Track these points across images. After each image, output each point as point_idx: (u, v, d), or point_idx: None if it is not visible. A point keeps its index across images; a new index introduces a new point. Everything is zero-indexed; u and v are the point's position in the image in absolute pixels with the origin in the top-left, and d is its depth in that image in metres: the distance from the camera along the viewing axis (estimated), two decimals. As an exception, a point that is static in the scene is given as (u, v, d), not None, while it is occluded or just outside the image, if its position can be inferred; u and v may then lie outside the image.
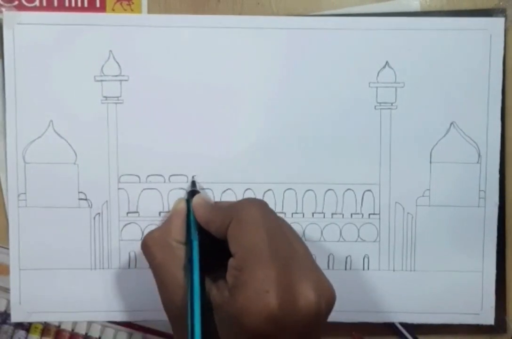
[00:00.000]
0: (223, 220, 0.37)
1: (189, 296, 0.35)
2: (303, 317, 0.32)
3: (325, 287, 0.34)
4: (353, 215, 0.47)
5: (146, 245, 0.40)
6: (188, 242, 0.39)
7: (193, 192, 0.44)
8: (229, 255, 0.36)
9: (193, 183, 0.45)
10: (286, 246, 0.35)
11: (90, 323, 0.48)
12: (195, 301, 0.35)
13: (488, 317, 0.47)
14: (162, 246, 0.40)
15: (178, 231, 0.40)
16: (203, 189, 0.46)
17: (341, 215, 0.47)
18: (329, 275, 0.45)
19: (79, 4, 0.46)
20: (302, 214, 0.47)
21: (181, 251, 0.39)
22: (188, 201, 0.42)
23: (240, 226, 0.36)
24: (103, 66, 0.46)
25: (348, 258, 0.47)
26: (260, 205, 0.38)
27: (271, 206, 0.46)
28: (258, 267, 0.33)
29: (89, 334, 0.48)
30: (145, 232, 0.46)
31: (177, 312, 0.37)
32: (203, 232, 0.39)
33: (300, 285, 0.33)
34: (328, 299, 0.34)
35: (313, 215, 0.47)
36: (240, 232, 0.35)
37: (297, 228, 0.46)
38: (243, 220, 0.36)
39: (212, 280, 0.37)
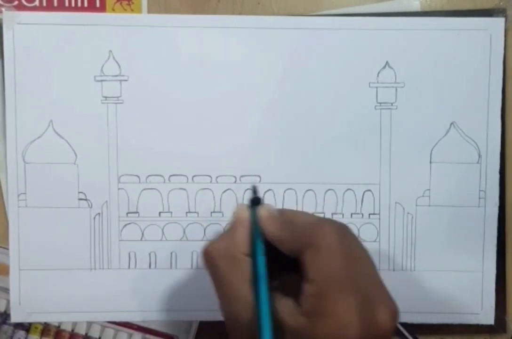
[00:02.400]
0: (297, 241, 0.36)
1: (258, 317, 0.34)
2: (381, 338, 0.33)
3: (393, 303, 0.34)
4: (353, 215, 0.47)
5: (209, 255, 0.38)
6: (253, 256, 0.37)
7: (255, 200, 0.40)
8: (292, 268, 0.36)
9: (254, 190, 0.42)
10: (365, 273, 0.35)
11: (90, 324, 0.48)
12: (264, 323, 0.33)
13: (488, 317, 0.47)
14: (226, 258, 0.37)
15: (243, 242, 0.38)
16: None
17: (341, 215, 0.47)
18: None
19: (79, 4, 0.46)
20: (301, 214, 0.47)
21: (246, 264, 0.37)
22: (252, 210, 0.39)
23: (318, 252, 0.34)
24: (103, 66, 0.46)
25: (348, 258, 0.47)
26: (341, 229, 0.36)
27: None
28: (339, 297, 0.33)
29: (89, 334, 0.48)
30: (145, 233, 0.46)
31: (238, 327, 0.36)
32: (267, 244, 0.37)
33: (379, 312, 0.33)
34: (397, 314, 0.34)
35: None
36: (318, 259, 0.34)
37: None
38: (321, 246, 0.34)
39: (280, 296, 0.36)
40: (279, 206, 0.46)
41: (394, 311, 0.34)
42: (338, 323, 0.32)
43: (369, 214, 0.47)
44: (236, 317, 0.36)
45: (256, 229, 0.37)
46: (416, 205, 0.46)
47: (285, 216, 0.39)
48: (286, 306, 0.35)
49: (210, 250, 0.38)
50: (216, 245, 0.38)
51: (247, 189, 0.46)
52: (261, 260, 0.36)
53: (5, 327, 0.48)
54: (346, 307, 0.32)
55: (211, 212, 0.47)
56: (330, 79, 0.46)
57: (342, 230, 0.36)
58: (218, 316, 0.46)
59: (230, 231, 0.39)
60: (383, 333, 0.33)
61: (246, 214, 0.39)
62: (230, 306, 0.36)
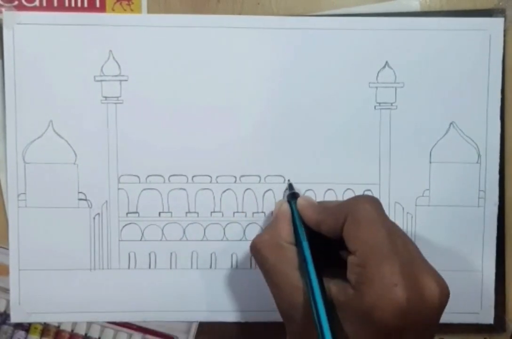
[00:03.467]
0: (336, 220, 0.37)
1: (311, 297, 0.35)
2: (429, 310, 0.33)
3: (443, 280, 0.35)
4: (353, 215, 0.47)
5: (256, 248, 0.40)
6: (298, 244, 0.39)
7: (293, 194, 0.44)
8: (338, 253, 0.37)
9: (291, 186, 0.46)
10: (403, 242, 0.36)
11: (89, 324, 0.48)
12: (318, 301, 0.35)
13: (487, 317, 0.47)
14: (273, 248, 0.39)
15: (286, 233, 0.40)
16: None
17: (341, 215, 0.47)
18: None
19: (79, 4, 0.46)
20: (302, 214, 0.47)
21: (292, 252, 0.39)
22: (291, 203, 0.42)
23: (358, 223, 0.36)
24: (103, 66, 0.46)
25: (348, 258, 0.47)
26: (374, 201, 0.37)
27: (271, 206, 0.46)
28: (383, 262, 0.34)
29: (88, 334, 0.48)
30: (145, 233, 0.46)
31: (293, 313, 0.37)
32: (310, 233, 0.39)
33: (424, 278, 0.34)
34: (447, 293, 0.35)
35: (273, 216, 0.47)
36: (359, 229, 0.35)
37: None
38: (359, 217, 0.36)
39: (328, 278, 0.37)
40: (279, 206, 0.47)
41: (441, 283, 0.34)
42: (383, 287, 0.33)
43: (369, 214, 0.47)
44: (289, 303, 0.38)
45: (297, 218, 0.41)
46: (416, 205, 0.46)
47: (321, 203, 0.42)
48: (335, 284, 0.36)
49: (257, 242, 0.40)
50: (262, 238, 0.41)
51: (247, 189, 0.46)
52: (306, 245, 0.38)
53: (5, 327, 0.48)
54: (389, 271, 0.33)
55: (211, 212, 0.47)
56: (330, 79, 0.46)
57: (375, 202, 0.37)
58: (218, 316, 0.47)
59: (272, 224, 0.42)
60: (431, 303, 0.33)
61: (286, 206, 0.42)
62: (282, 293, 0.38)
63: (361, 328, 0.34)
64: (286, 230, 0.40)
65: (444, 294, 0.34)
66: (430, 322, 0.34)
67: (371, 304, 0.33)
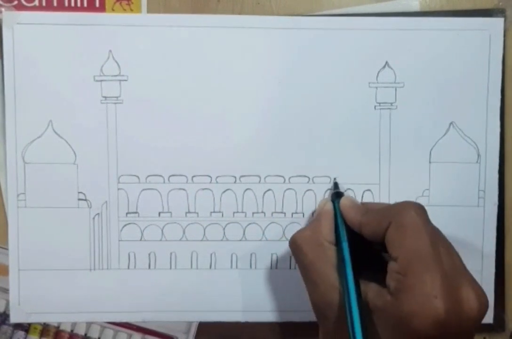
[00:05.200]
0: (379, 223, 0.37)
1: (346, 299, 0.36)
2: (466, 322, 0.33)
3: (483, 292, 0.35)
4: (353, 215, 0.47)
5: (296, 243, 0.40)
6: (338, 243, 0.39)
7: (337, 193, 0.44)
8: (379, 256, 0.38)
9: (336, 185, 0.46)
10: (446, 251, 0.35)
11: (89, 324, 0.48)
12: (353, 303, 0.35)
13: (487, 316, 0.47)
14: (313, 245, 0.40)
15: (328, 232, 0.40)
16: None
17: (341, 215, 0.47)
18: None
19: (79, 4, 0.45)
20: (302, 214, 0.47)
21: (332, 251, 0.39)
22: (334, 202, 0.43)
23: (401, 229, 0.35)
24: (102, 66, 0.45)
25: (348, 258, 0.47)
26: (419, 208, 0.37)
27: (271, 206, 0.46)
28: (424, 271, 0.33)
29: (88, 335, 0.48)
30: (145, 233, 0.46)
31: (327, 312, 0.38)
32: (351, 233, 0.39)
33: (464, 290, 0.34)
34: (486, 305, 0.34)
35: (313, 215, 0.47)
36: (402, 236, 0.35)
37: (297, 227, 0.46)
38: (404, 223, 0.36)
39: (366, 281, 0.37)
40: (279, 206, 0.47)
41: (481, 297, 0.34)
42: (423, 297, 0.33)
43: (369, 214, 0.47)
44: (324, 302, 0.38)
45: (339, 218, 0.41)
46: (416, 205, 0.46)
47: (365, 204, 0.42)
48: (372, 287, 0.36)
49: (297, 237, 0.41)
50: (303, 234, 0.41)
51: (247, 189, 0.46)
52: (346, 246, 0.38)
53: (5, 327, 0.47)
54: (431, 282, 0.33)
55: (211, 212, 0.47)
56: (330, 79, 0.46)
57: (421, 209, 0.37)
58: (218, 316, 0.47)
59: (314, 221, 0.42)
60: (469, 317, 0.33)
61: (329, 206, 0.42)
62: (318, 291, 0.38)
63: (396, 335, 0.34)
64: (327, 229, 0.40)
65: (483, 307, 0.34)
66: (466, 335, 0.34)
67: (409, 313, 0.33)
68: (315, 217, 0.43)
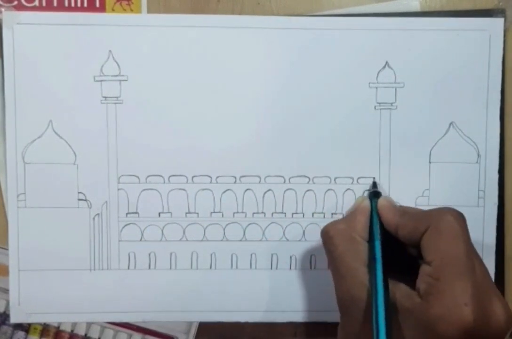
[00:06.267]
0: (416, 227, 0.37)
1: (374, 297, 0.36)
2: (492, 335, 0.33)
3: (509, 308, 0.35)
4: (353, 215, 0.47)
5: (328, 234, 0.40)
6: (371, 241, 0.40)
7: (375, 193, 0.44)
8: (410, 258, 0.38)
9: (375, 184, 0.46)
10: (479, 262, 0.36)
11: (89, 324, 0.48)
12: (379, 303, 0.35)
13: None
14: (345, 238, 0.40)
15: (362, 227, 0.40)
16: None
17: (341, 215, 0.47)
18: (329, 275, 0.45)
19: (79, 4, 0.45)
20: (302, 214, 0.47)
21: (363, 247, 0.39)
22: (371, 201, 0.43)
23: (439, 234, 0.36)
24: (102, 66, 0.45)
25: (348, 258, 0.47)
26: (459, 216, 0.37)
27: (271, 206, 0.46)
28: (457, 278, 0.34)
29: (88, 335, 0.48)
30: (145, 233, 0.46)
31: (352, 307, 0.38)
32: (384, 234, 0.40)
33: (493, 303, 0.34)
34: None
35: (313, 215, 0.47)
36: (439, 241, 0.36)
37: (297, 228, 0.47)
38: (442, 229, 0.36)
39: (395, 281, 0.37)
40: (279, 206, 0.46)
41: (509, 313, 0.34)
42: (453, 303, 0.33)
43: (369, 214, 0.47)
44: (350, 297, 0.38)
45: (375, 216, 0.41)
46: (416, 205, 0.46)
47: (402, 207, 0.42)
48: (400, 288, 0.36)
49: (330, 228, 0.41)
50: (337, 226, 0.41)
51: (247, 189, 0.46)
52: (378, 244, 0.39)
53: (5, 327, 0.47)
54: (462, 289, 0.33)
55: (211, 213, 0.47)
56: (330, 79, 0.46)
57: (461, 217, 0.37)
58: (218, 316, 0.47)
59: (350, 216, 0.42)
60: (496, 329, 0.33)
61: (366, 203, 0.42)
62: (346, 285, 0.38)
63: (421, 338, 0.34)
64: (362, 225, 0.40)
65: (510, 322, 0.34)
66: None
67: (438, 317, 0.33)
68: (351, 212, 0.43)
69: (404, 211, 0.40)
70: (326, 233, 0.41)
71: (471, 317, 0.32)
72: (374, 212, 0.41)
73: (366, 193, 0.46)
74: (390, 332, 0.34)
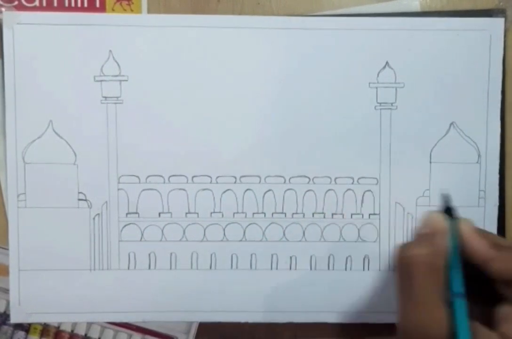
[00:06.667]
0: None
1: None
2: None
3: None
4: (353, 216, 0.47)
5: (408, 262, 0.35)
6: (449, 270, 0.35)
7: (448, 209, 0.38)
8: (488, 288, 0.35)
9: (446, 198, 0.38)
10: None
11: (89, 324, 0.48)
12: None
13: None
14: (428, 268, 0.34)
15: (443, 255, 0.35)
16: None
17: (341, 216, 0.47)
18: (329, 275, 0.46)
19: (79, 4, 0.45)
20: (302, 215, 0.46)
21: (444, 275, 0.35)
22: (450, 221, 0.36)
23: None
24: (102, 66, 0.45)
25: (349, 259, 0.47)
26: None
27: (271, 206, 0.46)
28: None
29: (88, 335, 0.48)
30: (145, 233, 0.46)
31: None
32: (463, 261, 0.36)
33: None
34: None
35: (313, 216, 0.47)
36: None
37: (297, 228, 0.47)
38: None
39: (478, 325, 0.33)
40: (279, 207, 0.46)
41: None
42: None
43: (369, 215, 0.47)
44: (423, 333, 0.33)
45: (456, 245, 0.35)
46: (416, 205, 0.46)
47: (489, 235, 0.37)
48: (479, 330, 0.33)
49: (409, 254, 0.35)
50: (418, 251, 0.35)
51: (247, 189, 0.46)
52: (459, 277, 0.35)
53: (5, 327, 0.47)
54: None
55: (211, 213, 0.47)
56: (330, 79, 0.46)
57: None
58: (218, 316, 0.47)
59: (429, 237, 0.36)
60: None
61: (443, 225, 0.36)
62: (419, 324, 0.33)
63: None
64: (445, 251, 0.35)
65: None
66: None
67: None
68: (428, 232, 0.36)
69: (496, 242, 0.35)
70: (403, 259, 0.35)
71: None
72: (453, 238, 0.35)
73: (438, 208, 0.39)
74: None
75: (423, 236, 0.36)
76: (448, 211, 0.37)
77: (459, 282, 0.34)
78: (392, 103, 0.46)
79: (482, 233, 0.36)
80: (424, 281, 0.34)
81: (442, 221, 0.36)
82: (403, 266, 0.35)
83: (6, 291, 0.47)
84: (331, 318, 0.47)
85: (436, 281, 0.34)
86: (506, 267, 0.34)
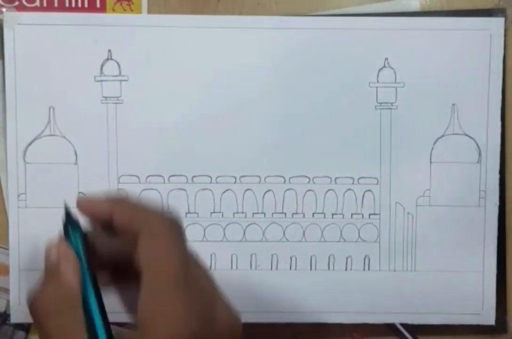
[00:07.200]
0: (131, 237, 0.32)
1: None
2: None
3: (236, 316, 0.33)
4: (353, 215, 0.47)
5: (36, 306, 0.32)
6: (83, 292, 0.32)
7: (70, 221, 0.35)
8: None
9: (67, 211, 0.36)
10: (199, 269, 0.33)
11: (89, 324, 0.48)
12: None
13: (488, 317, 0.47)
14: (60, 306, 0.32)
15: (72, 279, 0.32)
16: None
17: (342, 216, 0.47)
18: (330, 275, 0.46)
19: (80, 5, 0.46)
20: (302, 215, 0.46)
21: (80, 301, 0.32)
22: (69, 235, 0.34)
23: (150, 244, 0.31)
24: (103, 66, 0.46)
25: (349, 259, 0.47)
26: (170, 230, 0.33)
27: (271, 206, 0.46)
28: (167, 297, 0.30)
29: (88, 335, 0.48)
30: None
31: None
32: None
33: (217, 310, 0.32)
34: (239, 328, 0.33)
35: (313, 216, 0.46)
36: (151, 252, 0.31)
37: (297, 228, 0.47)
38: (154, 234, 0.32)
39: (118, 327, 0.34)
40: (279, 207, 0.46)
41: (231, 319, 0.32)
42: (168, 321, 0.30)
43: (370, 214, 0.47)
44: None
45: (83, 257, 0.33)
46: (417, 205, 0.46)
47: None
48: (127, 333, 0.34)
49: (40, 300, 0.32)
50: (46, 293, 0.32)
51: (247, 189, 0.46)
52: (91, 292, 0.32)
53: (5, 327, 0.47)
54: (173, 305, 0.30)
55: (211, 213, 0.47)
56: (330, 79, 0.46)
57: (172, 231, 0.33)
58: (218, 316, 0.47)
59: (54, 271, 0.33)
60: (220, 334, 0.31)
61: (65, 246, 0.34)
62: None
63: None
64: (70, 276, 0.32)
65: (233, 328, 0.32)
66: None
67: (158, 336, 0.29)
68: (52, 264, 0.34)
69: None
70: (34, 305, 0.32)
71: (193, 328, 0.30)
72: (80, 249, 0.33)
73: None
74: None
75: (48, 271, 0.34)
76: (72, 223, 0.35)
77: (92, 298, 0.32)
78: (392, 103, 0.46)
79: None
80: (61, 320, 0.32)
81: (61, 243, 0.34)
82: (37, 312, 0.32)
83: (6, 291, 0.47)
84: (331, 318, 0.47)
85: (72, 313, 0.32)
86: (120, 217, 0.33)
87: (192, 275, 0.32)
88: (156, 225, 0.32)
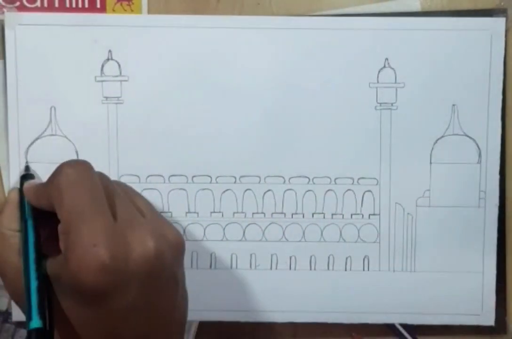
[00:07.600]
0: (48, 193, 0.36)
1: (24, 280, 0.35)
2: (142, 264, 0.33)
3: (166, 231, 0.35)
4: (353, 216, 0.47)
5: None
6: (22, 227, 0.38)
7: (25, 176, 0.43)
8: None
9: (27, 168, 0.45)
10: (118, 203, 0.36)
11: (90, 323, 0.48)
12: (28, 281, 0.35)
13: (488, 318, 0.47)
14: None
15: (11, 220, 0.39)
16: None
17: (341, 216, 0.47)
18: (329, 276, 0.46)
19: (80, 5, 0.46)
20: (302, 215, 0.47)
21: (16, 238, 0.38)
22: (21, 186, 0.42)
23: (59, 191, 0.35)
24: (103, 66, 0.46)
25: (348, 259, 0.47)
26: (77, 165, 0.37)
27: (271, 206, 0.46)
28: (82, 223, 0.33)
29: (89, 333, 0.48)
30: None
31: (19, 299, 0.37)
32: (42, 218, 0.39)
33: (134, 232, 0.34)
34: (172, 243, 0.35)
35: (313, 216, 0.47)
36: (60, 197, 0.35)
37: (297, 228, 0.47)
38: (60, 184, 0.35)
39: (55, 255, 0.36)
40: (279, 207, 0.47)
41: (160, 235, 0.34)
42: (84, 248, 0.32)
43: (369, 215, 0.47)
44: (15, 290, 0.37)
45: (23, 202, 0.40)
46: (416, 206, 0.46)
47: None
48: (53, 259, 0.35)
49: None
50: None
51: (247, 189, 0.46)
52: (30, 224, 0.38)
53: (7, 325, 0.48)
54: (89, 231, 0.33)
55: (211, 213, 0.47)
56: (330, 79, 0.46)
57: (80, 166, 0.37)
58: (218, 316, 0.47)
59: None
60: (144, 257, 0.33)
61: (13, 194, 0.42)
62: (8, 281, 0.38)
63: (73, 298, 0.33)
64: (10, 217, 0.39)
65: (168, 245, 0.34)
66: (150, 277, 0.34)
67: (75, 268, 0.32)
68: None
69: (44, 183, 0.39)
70: None
71: (106, 254, 0.32)
72: (22, 197, 0.40)
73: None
74: (51, 313, 0.34)
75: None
76: (27, 177, 0.43)
77: (31, 228, 0.38)
78: (392, 103, 0.46)
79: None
80: None
81: (13, 192, 0.42)
82: None
83: (8, 289, 0.47)
84: (331, 318, 0.47)
85: (5, 244, 0.38)
86: (46, 202, 0.36)
87: (102, 209, 0.34)
88: (58, 181, 0.35)
